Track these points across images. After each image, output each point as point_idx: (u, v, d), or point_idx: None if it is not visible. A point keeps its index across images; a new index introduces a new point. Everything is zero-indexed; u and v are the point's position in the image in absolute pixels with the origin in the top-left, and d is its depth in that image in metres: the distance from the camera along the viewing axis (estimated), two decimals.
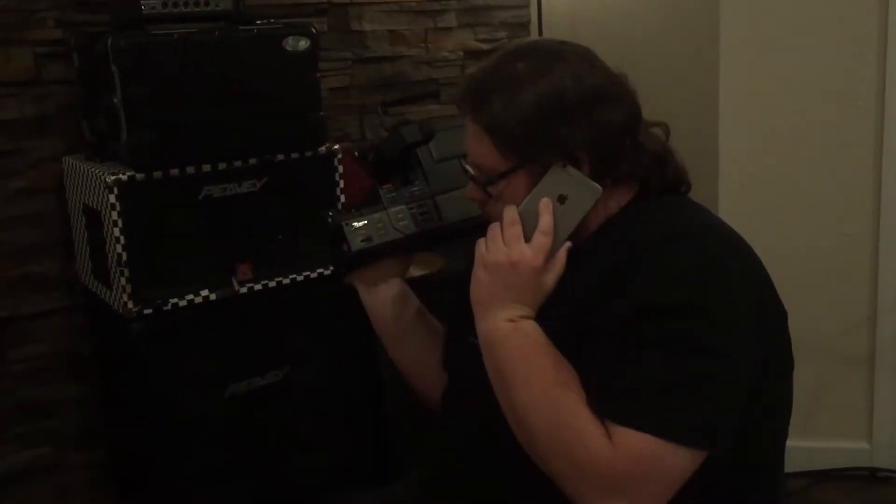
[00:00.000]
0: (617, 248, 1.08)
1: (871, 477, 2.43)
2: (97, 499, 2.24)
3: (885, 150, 2.29)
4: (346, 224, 1.29)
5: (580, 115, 1.08)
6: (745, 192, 2.27)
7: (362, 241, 1.28)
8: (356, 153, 1.43)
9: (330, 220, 1.31)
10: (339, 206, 1.32)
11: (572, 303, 1.08)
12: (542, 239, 1.09)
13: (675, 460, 0.96)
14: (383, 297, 1.37)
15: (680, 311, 0.99)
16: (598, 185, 1.09)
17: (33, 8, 2.01)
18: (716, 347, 0.99)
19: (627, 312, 1.00)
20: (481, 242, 1.13)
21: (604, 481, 0.97)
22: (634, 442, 0.96)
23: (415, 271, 2.21)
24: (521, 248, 1.09)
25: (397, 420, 2.16)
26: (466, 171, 1.18)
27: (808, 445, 2.32)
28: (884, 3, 2.22)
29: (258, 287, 1.93)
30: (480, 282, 1.12)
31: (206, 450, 1.92)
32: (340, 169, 2.01)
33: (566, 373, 1.03)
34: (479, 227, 1.20)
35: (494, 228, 1.13)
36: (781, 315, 1.12)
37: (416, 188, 1.34)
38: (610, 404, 0.98)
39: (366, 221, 1.30)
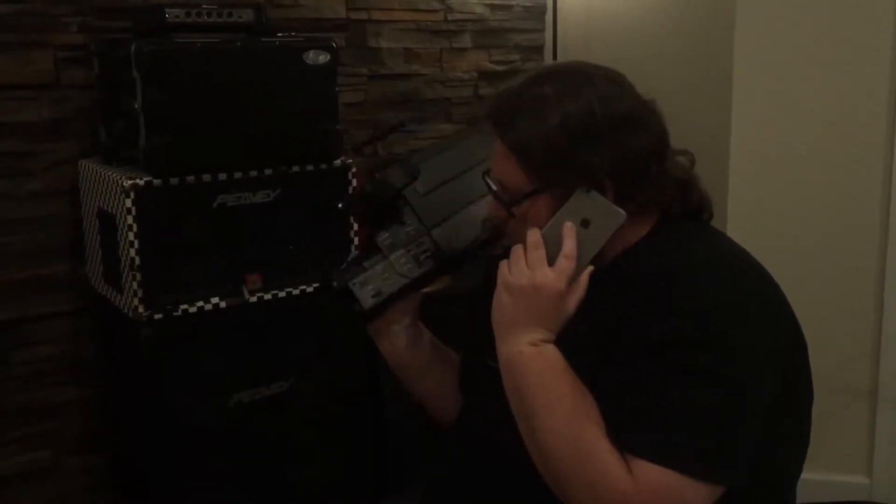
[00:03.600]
0: (638, 275, 1.08)
1: None
2: (96, 503, 2.24)
3: (894, 181, 2.30)
4: (353, 284, 1.28)
5: (606, 141, 1.08)
6: (752, 220, 2.28)
7: (373, 297, 1.27)
8: (375, 174, 1.43)
9: (335, 283, 1.29)
10: (344, 263, 1.29)
11: (590, 329, 1.08)
12: (565, 263, 1.09)
13: (694, 494, 0.96)
14: (398, 338, 1.38)
15: (701, 343, 0.99)
16: (622, 211, 1.09)
17: (56, 13, 2.03)
18: (736, 381, 0.99)
19: (648, 342, 1.00)
20: (504, 264, 1.13)
21: None
22: (653, 475, 0.95)
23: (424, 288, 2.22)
24: (544, 271, 1.09)
25: (398, 435, 2.16)
26: (490, 187, 1.18)
27: (807, 478, 2.28)
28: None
29: (268, 297, 1.94)
30: (503, 304, 1.12)
31: (208, 458, 1.92)
32: (354, 183, 2.02)
33: (587, 401, 1.03)
34: (482, 246, 1.20)
35: (518, 251, 1.12)
36: (802, 347, 1.12)
37: (410, 228, 1.32)
38: (629, 436, 0.98)
39: (370, 274, 1.29)
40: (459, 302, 1.31)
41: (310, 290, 2.00)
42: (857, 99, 2.29)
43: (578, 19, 2.77)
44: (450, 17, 2.71)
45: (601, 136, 1.08)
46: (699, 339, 0.99)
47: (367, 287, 1.26)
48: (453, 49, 2.73)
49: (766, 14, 2.30)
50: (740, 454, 0.99)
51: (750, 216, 2.28)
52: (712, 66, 2.35)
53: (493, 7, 2.80)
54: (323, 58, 1.92)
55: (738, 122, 2.33)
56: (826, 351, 2.39)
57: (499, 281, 1.13)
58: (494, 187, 1.17)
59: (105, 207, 1.89)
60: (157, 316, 1.82)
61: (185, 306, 1.85)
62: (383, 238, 1.32)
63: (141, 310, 1.81)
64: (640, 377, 1.00)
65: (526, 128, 1.11)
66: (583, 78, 1.12)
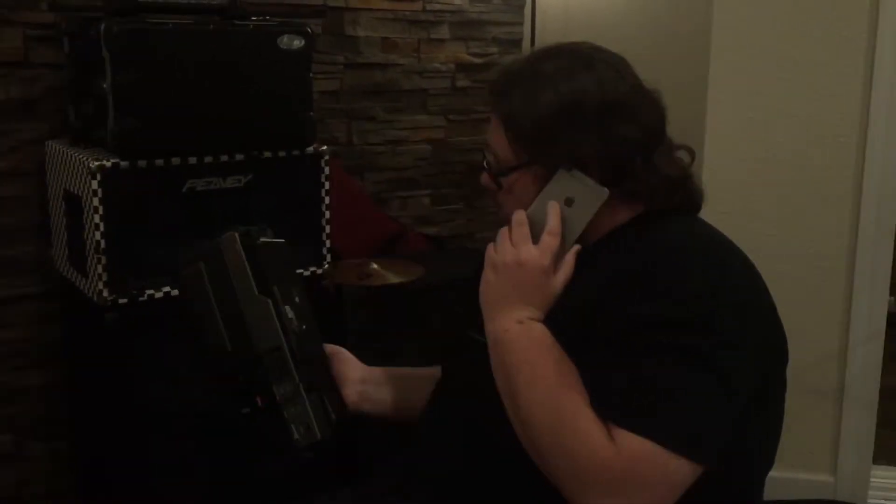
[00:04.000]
0: (627, 255, 1.08)
1: None
2: (57, 489, 2.21)
3: (865, 185, 2.32)
4: (295, 442, 1.23)
5: (594, 125, 1.09)
6: (722, 219, 2.28)
7: (306, 431, 1.22)
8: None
9: (308, 455, 1.25)
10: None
11: (576, 306, 1.08)
12: (549, 239, 1.10)
13: (676, 469, 0.96)
14: (369, 393, 1.35)
15: (688, 325, 0.99)
16: (604, 189, 1.10)
17: None
18: (720, 364, 0.99)
19: (635, 321, 1.00)
20: (490, 245, 1.15)
21: (602, 481, 0.96)
22: (637, 445, 0.95)
23: (394, 279, 2.21)
24: (528, 248, 1.10)
25: (368, 420, 2.15)
26: (484, 159, 1.19)
27: (772, 475, 2.30)
28: (872, 37, 2.25)
29: None
30: (489, 282, 1.13)
31: (173, 444, 1.90)
32: (327, 170, 2.00)
33: (571, 375, 1.03)
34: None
35: (503, 231, 1.14)
36: (783, 336, 1.13)
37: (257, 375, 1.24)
38: (614, 407, 0.98)
39: (292, 421, 1.23)
40: (453, 289, 1.29)
41: None
42: (830, 99, 2.30)
43: (557, 13, 2.77)
44: (428, 8, 2.69)
45: (589, 119, 1.09)
46: (687, 320, 0.99)
47: (300, 429, 1.22)
48: (431, 40, 2.72)
49: (742, 11, 2.31)
50: (720, 437, 1.00)
51: (721, 215, 2.28)
52: (689, 61, 2.35)
53: None
54: (297, 43, 1.90)
55: (713, 120, 2.33)
56: (794, 351, 2.40)
57: (485, 260, 1.14)
58: (487, 158, 1.18)
59: (71, 189, 1.86)
60: (123, 300, 1.80)
61: (151, 291, 1.83)
62: (270, 399, 1.24)
63: (106, 294, 1.78)
64: (626, 355, 1.00)
65: (518, 102, 1.12)
66: (584, 60, 1.13)
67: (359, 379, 1.35)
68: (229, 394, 1.25)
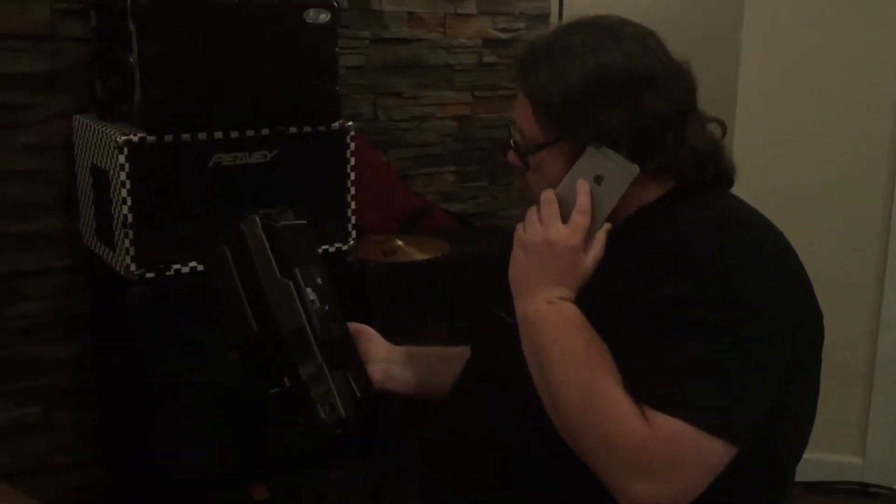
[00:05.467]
0: (659, 233, 1.07)
1: (861, 492, 2.43)
2: (82, 459, 2.24)
3: None
4: (321, 419, 1.23)
5: (623, 99, 1.07)
6: (754, 199, 2.26)
7: (331, 410, 1.23)
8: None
9: (338, 431, 1.25)
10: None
11: (606, 286, 1.07)
12: (579, 218, 1.08)
13: (710, 449, 0.95)
14: (395, 371, 1.35)
15: (724, 302, 0.98)
16: (635, 165, 1.08)
17: None
18: (755, 342, 0.98)
19: (669, 298, 0.99)
20: (520, 225, 1.13)
21: (635, 462, 0.96)
22: (671, 426, 0.94)
23: (418, 255, 2.20)
24: (557, 226, 1.08)
25: (388, 397, 2.15)
26: (511, 137, 1.17)
27: None
28: None
29: None
30: (518, 262, 1.11)
31: (197, 417, 1.91)
32: (352, 146, 1.99)
33: (602, 354, 1.02)
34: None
35: (532, 211, 1.12)
36: (819, 313, 1.11)
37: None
38: (647, 388, 0.97)
39: (316, 400, 1.23)
40: (478, 266, 1.27)
41: None
42: (865, 75, 2.26)
43: None
44: None
45: (617, 93, 1.07)
46: (722, 297, 0.98)
47: (325, 408, 1.22)
48: (458, 15, 2.69)
49: None
50: (752, 415, 0.98)
51: (752, 195, 2.25)
52: (721, 39, 2.32)
53: None
54: (324, 17, 1.89)
55: (744, 99, 2.30)
56: (825, 332, 2.38)
57: (514, 240, 1.13)
58: (514, 136, 1.16)
59: (98, 163, 1.86)
60: (149, 275, 1.81)
61: (177, 266, 1.83)
62: (296, 379, 1.25)
63: (133, 268, 1.79)
64: (659, 332, 0.99)
65: (545, 77, 1.10)
66: (612, 33, 1.10)
67: (384, 357, 1.35)
68: (257, 374, 1.27)
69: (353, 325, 1.35)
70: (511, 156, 1.18)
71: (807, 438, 1.14)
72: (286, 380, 1.23)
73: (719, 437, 0.95)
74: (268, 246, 1.24)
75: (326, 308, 1.26)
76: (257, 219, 1.25)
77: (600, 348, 1.03)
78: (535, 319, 1.07)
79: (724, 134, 1.18)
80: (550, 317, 1.06)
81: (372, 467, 1.37)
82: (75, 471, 2.24)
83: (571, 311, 1.06)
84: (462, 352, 1.31)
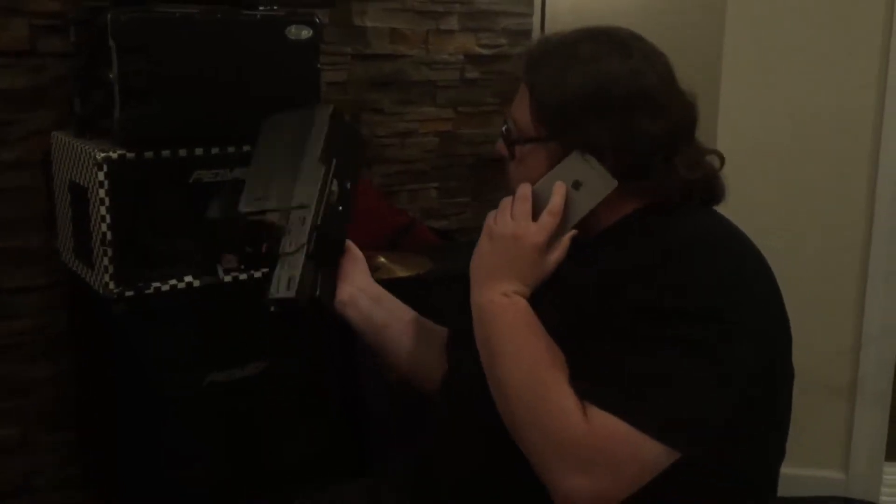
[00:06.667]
0: (636, 244, 1.07)
1: None
2: (64, 481, 2.20)
3: (879, 179, 2.30)
4: (273, 293, 1.26)
5: (616, 113, 1.08)
6: (735, 215, 2.27)
7: (288, 287, 1.24)
8: None
9: (268, 306, 1.27)
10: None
11: (577, 295, 1.07)
12: (548, 219, 1.10)
13: (649, 453, 0.96)
14: (360, 301, 1.36)
15: (691, 314, 0.98)
16: (614, 179, 1.09)
17: None
18: (721, 356, 0.98)
19: (638, 308, 1.00)
20: (491, 214, 1.15)
21: (571, 456, 0.97)
22: (610, 424, 0.96)
23: (402, 272, 2.19)
24: (526, 223, 1.10)
25: (377, 412, 2.14)
26: (504, 125, 1.19)
27: (784, 472, 2.31)
28: (886, 34, 2.23)
29: (243, 276, 1.90)
30: (483, 251, 1.14)
31: (180, 436, 1.89)
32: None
33: (553, 352, 1.04)
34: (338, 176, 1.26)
35: (506, 202, 1.14)
36: (787, 327, 1.11)
37: (280, 227, 1.31)
38: (594, 387, 0.99)
39: (277, 274, 1.27)
40: (461, 282, 1.28)
41: None
42: (844, 93, 2.28)
43: (566, 3, 2.74)
44: None
45: (612, 106, 1.08)
46: (692, 310, 0.98)
47: (282, 283, 1.25)
48: (440, 31, 2.69)
49: (756, 7, 2.28)
50: (709, 428, 0.98)
51: (733, 210, 2.27)
52: (701, 56, 2.33)
53: None
54: (305, 33, 1.89)
55: (726, 115, 2.31)
56: (806, 346, 2.37)
57: (484, 228, 1.15)
58: (506, 124, 1.18)
59: (77, 180, 1.84)
60: (129, 293, 1.79)
61: (157, 284, 1.81)
62: (274, 250, 1.30)
63: (112, 286, 1.77)
64: (620, 340, 1.00)
65: (548, 76, 1.12)
66: (621, 47, 1.12)
67: (358, 285, 1.36)
68: (244, 233, 1.30)
69: (349, 244, 1.38)
70: (499, 144, 1.20)
71: (783, 450, 1.14)
72: (265, 245, 1.28)
73: (658, 441, 0.95)
74: (326, 130, 1.31)
75: (339, 209, 1.30)
76: (332, 106, 1.34)
77: (551, 346, 1.04)
78: (489, 310, 1.09)
79: (721, 165, 1.18)
80: (505, 309, 1.08)
81: (368, 485, 1.36)
82: (56, 493, 2.20)
83: (524, 307, 1.08)
84: (439, 332, 1.35)
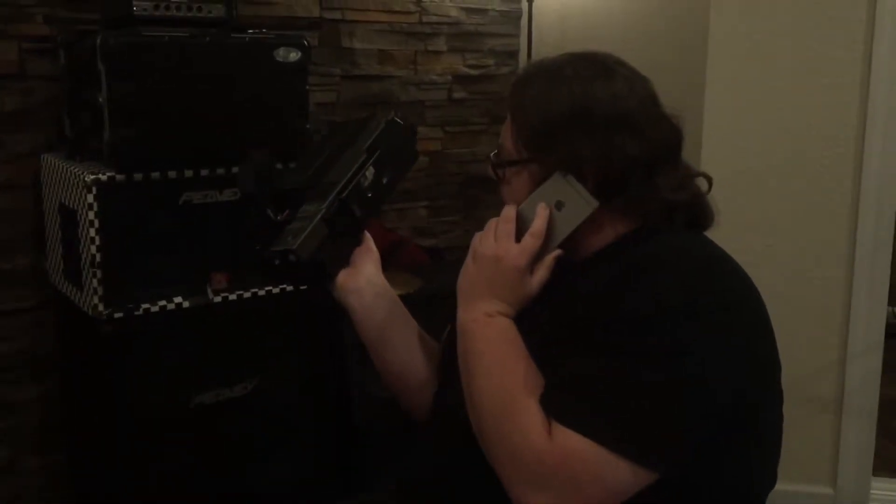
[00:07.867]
0: (620, 265, 1.07)
1: None
2: (51, 502, 2.19)
3: (862, 195, 2.32)
4: (275, 244, 1.25)
5: (597, 134, 1.09)
6: (719, 231, 2.28)
7: (292, 237, 1.23)
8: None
9: (276, 262, 1.26)
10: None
11: (567, 314, 1.07)
12: (530, 241, 1.11)
13: (613, 470, 0.95)
14: (365, 292, 1.31)
15: (671, 335, 0.98)
16: (594, 200, 1.10)
17: (22, 3, 2.00)
18: (690, 374, 0.97)
19: (617, 326, 1.00)
20: (477, 235, 1.17)
21: (533, 473, 0.97)
22: (572, 441, 0.96)
23: (394, 291, 2.20)
24: (508, 245, 1.12)
25: (366, 434, 2.14)
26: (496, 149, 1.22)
27: None
28: (868, 46, 2.25)
29: (232, 297, 1.91)
30: (468, 270, 1.15)
31: (168, 457, 1.88)
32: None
33: (529, 371, 1.04)
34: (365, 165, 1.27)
35: (491, 223, 1.16)
36: (774, 350, 1.11)
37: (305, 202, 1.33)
38: (560, 404, 0.99)
39: (287, 230, 1.26)
40: (451, 301, 1.28)
41: (276, 291, 1.97)
42: (827, 109, 2.30)
43: (553, 25, 2.77)
44: (425, 20, 2.69)
45: (593, 128, 1.09)
46: (667, 328, 0.98)
47: (289, 237, 1.24)
48: (428, 52, 2.72)
49: (739, 24, 2.31)
50: (675, 445, 0.97)
51: (718, 229, 2.28)
52: (685, 74, 2.36)
53: (468, 10, 2.79)
54: (294, 55, 1.90)
55: (710, 131, 2.33)
56: (793, 361, 2.38)
57: (470, 248, 1.17)
58: (498, 148, 1.20)
59: (66, 202, 1.85)
60: (118, 314, 1.79)
61: (146, 305, 1.82)
62: (292, 216, 1.31)
63: (101, 308, 1.77)
64: (593, 356, 1.00)
65: (531, 99, 1.13)
66: (604, 70, 1.13)
67: (367, 275, 1.31)
68: (269, 202, 1.31)
69: (366, 237, 1.35)
70: (490, 167, 1.22)
71: (774, 475, 1.14)
72: (282, 214, 1.28)
73: (624, 459, 0.95)
74: (379, 131, 1.33)
75: (370, 195, 1.30)
76: (394, 114, 1.36)
77: (528, 365, 1.05)
78: (471, 328, 1.10)
79: (709, 189, 1.19)
80: (486, 328, 1.09)
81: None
82: None
83: (506, 326, 1.09)
84: (432, 346, 1.35)
